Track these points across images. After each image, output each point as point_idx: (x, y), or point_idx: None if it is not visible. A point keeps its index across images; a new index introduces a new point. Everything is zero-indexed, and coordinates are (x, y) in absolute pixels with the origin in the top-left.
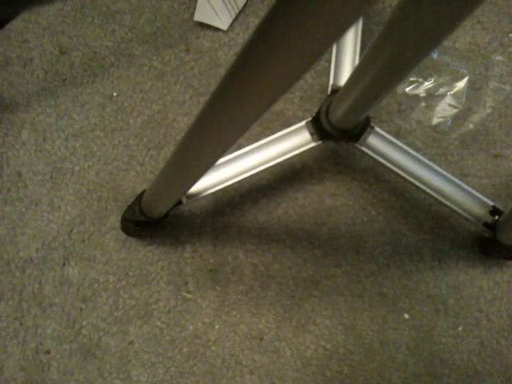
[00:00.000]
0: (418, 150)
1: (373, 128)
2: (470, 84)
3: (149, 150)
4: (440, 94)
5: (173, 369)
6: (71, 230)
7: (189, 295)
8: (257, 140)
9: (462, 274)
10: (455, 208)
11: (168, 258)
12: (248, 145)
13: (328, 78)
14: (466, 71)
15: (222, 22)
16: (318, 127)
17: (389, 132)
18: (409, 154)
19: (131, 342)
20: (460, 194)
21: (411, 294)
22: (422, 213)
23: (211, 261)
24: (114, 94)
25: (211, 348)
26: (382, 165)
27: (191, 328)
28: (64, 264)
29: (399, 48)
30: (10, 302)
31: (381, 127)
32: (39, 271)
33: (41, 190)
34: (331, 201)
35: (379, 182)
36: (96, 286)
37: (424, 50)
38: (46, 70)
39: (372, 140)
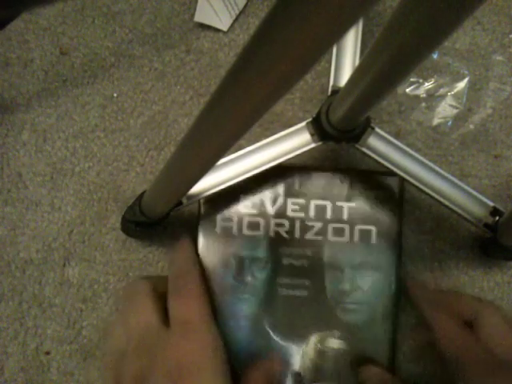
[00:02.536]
0: (418, 150)
1: (373, 129)
2: (471, 85)
3: (149, 150)
4: (440, 94)
5: None
6: (71, 231)
7: None
8: (257, 141)
9: (463, 275)
10: (455, 209)
11: (168, 259)
12: (248, 145)
13: (328, 79)
14: (466, 72)
15: (223, 22)
16: (318, 128)
17: (389, 133)
18: (409, 154)
19: None
20: (460, 195)
21: None
22: (422, 213)
23: None
24: (115, 95)
25: None
26: (383, 165)
27: None
28: (64, 265)
29: (399, 49)
30: (11, 303)
31: (381, 128)
32: (39, 272)
33: (41, 191)
34: None
35: None
36: (96, 286)
37: (424, 51)
38: (46, 71)
39: (372, 141)
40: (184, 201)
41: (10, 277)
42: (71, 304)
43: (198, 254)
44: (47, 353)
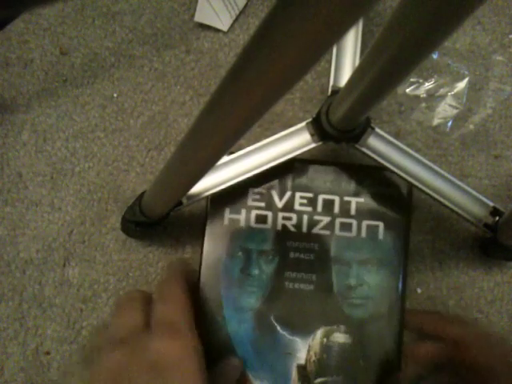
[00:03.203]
0: (418, 150)
1: (373, 129)
2: (471, 85)
3: (149, 150)
4: (440, 94)
5: None
6: (71, 231)
7: None
8: (257, 141)
9: (463, 275)
10: (455, 209)
11: (168, 259)
12: (248, 145)
13: (328, 79)
14: (466, 72)
15: (223, 22)
16: (318, 128)
17: (389, 133)
18: (409, 154)
19: None
20: (460, 195)
21: (412, 295)
22: (422, 214)
23: None
24: (115, 95)
25: None
26: (383, 166)
27: None
28: (64, 265)
29: (399, 49)
30: (11, 303)
31: (381, 128)
32: (39, 272)
33: (41, 191)
34: None
35: None
36: (96, 286)
37: (424, 51)
38: (46, 71)
39: (372, 141)
40: (184, 201)
41: (10, 277)
42: (71, 304)
43: (195, 269)
44: (47, 353)
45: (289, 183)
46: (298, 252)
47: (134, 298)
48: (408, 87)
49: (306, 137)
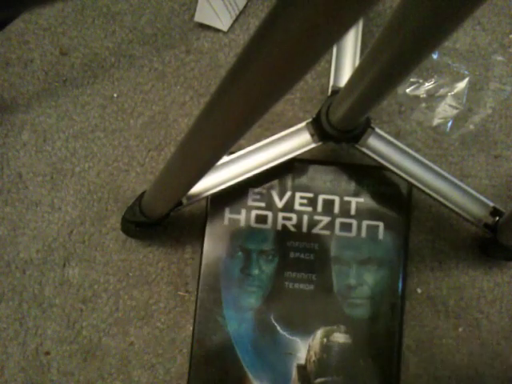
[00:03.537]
0: (418, 150)
1: (373, 129)
2: (471, 85)
3: (149, 150)
4: (440, 94)
5: (173, 370)
6: (71, 231)
7: (185, 294)
8: (257, 141)
9: (463, 275)
10: (455, 209)
11: (168, 259)
12: (248, 145)
13: (328, 79)
14: (466, 72)
15: (223, 22)
16: (318, 128)
17: (389, 133)
18: (409, 154)
19: (131, 343)
20: (460, 195)
21: (412, 295)
22: (422, 214)
23: None
24: (115, 95)
25: None
26: (383, 166)
27: (191, 328)
28: (64, 265)
29: (399, 49)
30: (11, 303)
31: (381, 128)
32: (39, 272)
33: (41, 191)
34: None
35: None
36: (96, 286)
37: (424, 51)
38: (46, 71)
39: (372, 141)
40: (184, 201)
41: (10, 277)
42: (71, 304)
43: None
44: (47, 353)
45: (289, 183)
46: (298, 252)
47: None
48: (408, 87)
49: (306, 137)
